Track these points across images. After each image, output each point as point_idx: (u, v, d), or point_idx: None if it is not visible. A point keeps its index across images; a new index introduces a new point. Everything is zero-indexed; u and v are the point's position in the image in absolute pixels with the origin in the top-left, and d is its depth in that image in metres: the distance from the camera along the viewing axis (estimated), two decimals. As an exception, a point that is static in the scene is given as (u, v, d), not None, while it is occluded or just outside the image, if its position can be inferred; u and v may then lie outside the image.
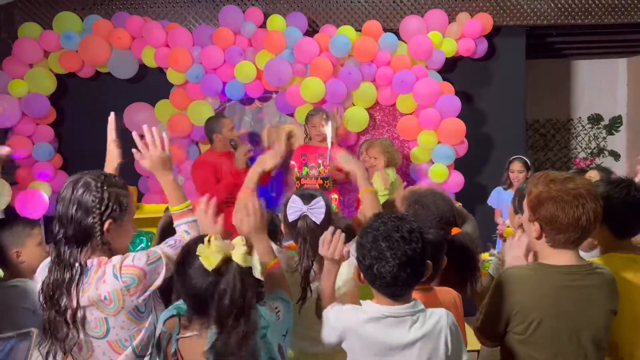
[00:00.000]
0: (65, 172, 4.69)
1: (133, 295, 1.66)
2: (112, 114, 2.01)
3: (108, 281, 1.66)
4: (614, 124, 6.70)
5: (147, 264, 1.68)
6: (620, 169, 6.64)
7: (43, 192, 4.47)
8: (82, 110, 4.68)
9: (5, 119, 4.39)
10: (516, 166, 4.32)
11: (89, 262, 1.69)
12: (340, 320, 1.62)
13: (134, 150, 1.87)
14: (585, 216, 1.63)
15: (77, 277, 1.65)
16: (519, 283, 1.70)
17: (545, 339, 1.67)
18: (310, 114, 4.22)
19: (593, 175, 3.20)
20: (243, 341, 1.44)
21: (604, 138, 6.76)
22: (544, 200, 1.68)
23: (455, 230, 2.13)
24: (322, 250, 1.72)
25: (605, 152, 6.75)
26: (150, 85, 4.67)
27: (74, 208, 1.66)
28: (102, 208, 1.67)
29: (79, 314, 1.66)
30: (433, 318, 1.56)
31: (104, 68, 4.53)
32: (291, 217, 1.91)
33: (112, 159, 1.97)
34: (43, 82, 4.46)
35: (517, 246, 1.93)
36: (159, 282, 1.70)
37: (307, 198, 1.93)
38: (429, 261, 1.56)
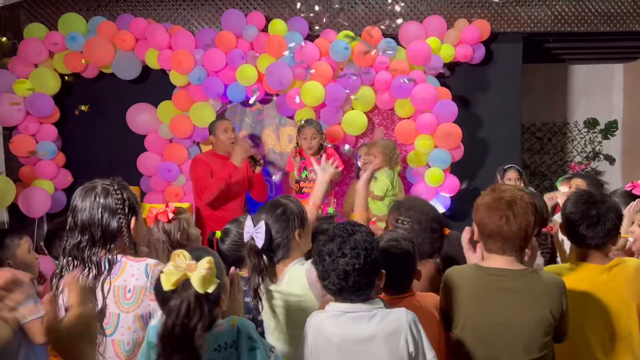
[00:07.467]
0: (68, 171, 4.77)
1: (152, 300, 1.71)
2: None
3: (137, 276, 1.75)
4: (610, 129, 6.77)
5: None
6: (615, 173, 6.78)
7: (46, 190, 4.55)
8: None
9: (11, 117, 4.47)
10: (513, 174, 4.25)
11: (118, 256, 1.78)
12: (308, 324, 1.73)
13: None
14: (507, 226, 1.70)
15: (105, 274, 1.73)
16: (454, 281, 1.83)
17: (472, 337, 1.77)
18: (301, 126, 4.15)
19: (579, 182, 3.18)
20: None
21: (600, 142, 6.83)
22: (478, 205, 1.82)
23: (447, 230, 2.25)
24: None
25: (600, 156, 6.82)
26: (153, 86, 4.74)
27: (100, 212, 1.75)
28: (126, 209, 1.78)
29: (103, 311, 1.72)
30: (391, 316, 1.64)
31: (108, 69, 4.60)
32: (245, 237, 1.96)
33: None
34: (48, 82, 4.53)
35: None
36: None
37: (255, 220, 1.95)
38: (382, 270, 1.66)
